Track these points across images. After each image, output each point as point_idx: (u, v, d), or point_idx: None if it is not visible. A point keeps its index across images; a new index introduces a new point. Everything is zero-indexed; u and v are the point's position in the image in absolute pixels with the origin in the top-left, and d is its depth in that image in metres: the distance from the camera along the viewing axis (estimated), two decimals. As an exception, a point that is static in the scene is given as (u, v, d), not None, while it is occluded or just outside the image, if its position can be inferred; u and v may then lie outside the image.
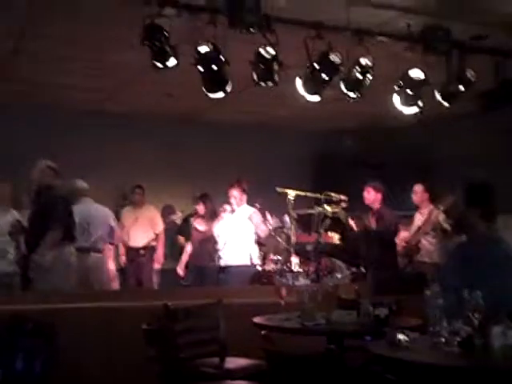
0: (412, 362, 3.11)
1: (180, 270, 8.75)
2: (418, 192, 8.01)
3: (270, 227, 7.76)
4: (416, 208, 8.13)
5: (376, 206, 7.79)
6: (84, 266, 7.02)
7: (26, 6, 5.82)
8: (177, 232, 9.49)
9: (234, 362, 4.58)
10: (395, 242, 7.79)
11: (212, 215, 8.42)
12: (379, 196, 7.78)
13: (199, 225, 8.61)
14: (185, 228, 9.23)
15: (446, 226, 7.71)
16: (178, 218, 9.30)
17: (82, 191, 7.55)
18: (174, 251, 9.51)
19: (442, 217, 7.64)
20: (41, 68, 7.68)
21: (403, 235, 8.08)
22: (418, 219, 8.01)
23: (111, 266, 7.93)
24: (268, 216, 7.73)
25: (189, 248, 8.76)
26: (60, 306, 5.13)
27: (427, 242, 7.90)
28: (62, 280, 6.27)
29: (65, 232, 6.37)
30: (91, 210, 7.50)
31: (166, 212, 9.93)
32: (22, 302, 5.16)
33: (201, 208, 8.63)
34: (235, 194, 7.69)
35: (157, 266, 9.26)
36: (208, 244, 8.34)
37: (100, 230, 7.51)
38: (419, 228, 7.91)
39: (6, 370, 3.59)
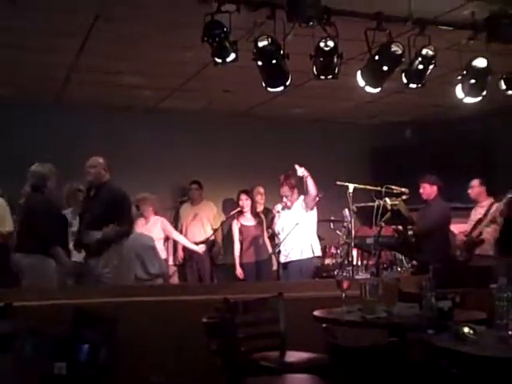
0: (478, 356, 3.04)
1: (238, 273, 8.48)
2: (475, 186, 7.96)
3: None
4: (474, 202, 8.01)
5: (431, 198, 7.69)
6: None
7: (94, 8, 5.93)
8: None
9: (294, 356, 4.55)
10: (446, 235, 7.65)
11: (254, 210, 8.44)
12: (434, 189, 7.70)
13: (247, 221, 8.56)
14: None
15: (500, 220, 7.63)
16: (236, 212, 9.29)
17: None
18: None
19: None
20: (102, 69, 7.81)
21: (462, 228, 7.95)
22: (479, 212, 7.90)
23: (170, 261, 8.00)
24: None
25: (237, 248, 8.53)
26: (121, 299, 5.19)
27: (490, 236, 7.75)
28: (125, 274, 6.36)
29: (128, 228, 6.44)
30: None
31: (227, 205, 9.94)
32: (85, 295, 5.24)
33: (246, 203, 8.55)
34: (286, 192, 7.70)
35: (215, 260, 9.31)
36: (260, 238, 8.35)
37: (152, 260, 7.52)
38: (479, 220, 7.79)
39: (71, 361, 3.64)
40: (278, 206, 7.81)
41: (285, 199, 7.72)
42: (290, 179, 7.67)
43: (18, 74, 7.95)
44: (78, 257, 6.77)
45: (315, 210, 7.71)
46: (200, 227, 9.27)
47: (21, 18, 6.03)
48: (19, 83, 8.35)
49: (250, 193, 8.66)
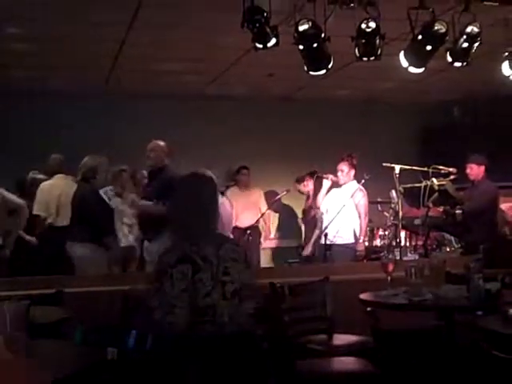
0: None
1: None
2: None
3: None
4: None
5: (478, 179, 7.52)
6: None
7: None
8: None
9: (341, 339, 4.57)
10: (494, 216, 7.50)
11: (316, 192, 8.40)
12: (482, 169, 7.49)
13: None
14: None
15: None
16: (283, 195, 9.26)
17: None
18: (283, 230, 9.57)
19: None
20: (145, 57, 7.87)
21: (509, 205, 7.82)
22: None
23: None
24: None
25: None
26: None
27: None
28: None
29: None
30: None
31: (269, 196, 9.87)
32: (133, 282, 5.30)
33: (309, 185, 8.53)
34: (343, 167, 7.50)
35: (266, 244, 9.32)
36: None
37: None
38: None
39: (119, 348, 3.70)
40: (330, 175, 7.67)
41: (339, 174, 7.55)
42: (353, 158, 7.53)
43: (67, 67, 8.10)
44: (127, 241, 6.89)
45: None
46: (252, 213, 9.26)
47: (63, 9, 6.12)
48: (68, 75, 8.50)
49: (314, 176, 8.55)
